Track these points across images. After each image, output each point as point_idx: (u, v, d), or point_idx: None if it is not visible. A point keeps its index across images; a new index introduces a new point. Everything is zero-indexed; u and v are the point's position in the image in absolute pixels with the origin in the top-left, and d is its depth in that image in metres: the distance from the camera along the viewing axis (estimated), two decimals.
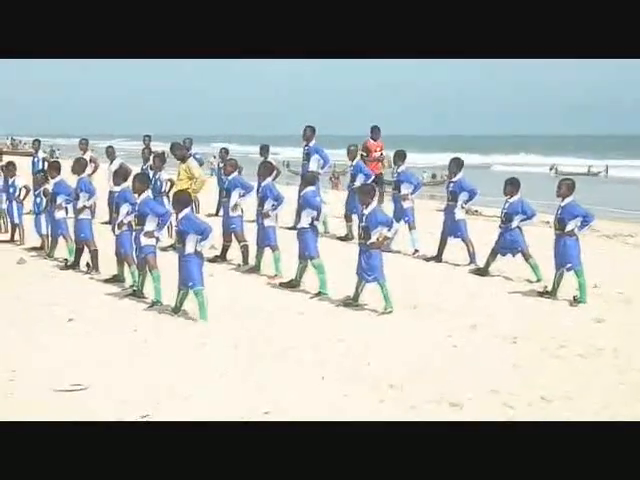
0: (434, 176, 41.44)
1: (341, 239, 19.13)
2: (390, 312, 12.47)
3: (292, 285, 14.11)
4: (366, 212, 12.75)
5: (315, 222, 13.86)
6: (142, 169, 19.11)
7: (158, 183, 17.77)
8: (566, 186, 13.56)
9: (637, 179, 55.94)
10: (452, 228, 16.50)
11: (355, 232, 15.56)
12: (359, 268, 12.76)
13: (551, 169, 75.28)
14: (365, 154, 21.08)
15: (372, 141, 21.65)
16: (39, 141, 25.43)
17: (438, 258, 16.69)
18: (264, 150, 21.02)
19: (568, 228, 13.30)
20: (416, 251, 17.39)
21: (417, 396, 9.03)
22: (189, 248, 12.14)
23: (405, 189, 17.65)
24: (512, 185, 14.90)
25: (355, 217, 16.49)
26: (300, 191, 14.34)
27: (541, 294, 13.69)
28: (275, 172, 16.84)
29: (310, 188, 14.27)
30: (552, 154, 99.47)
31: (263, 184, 15.50)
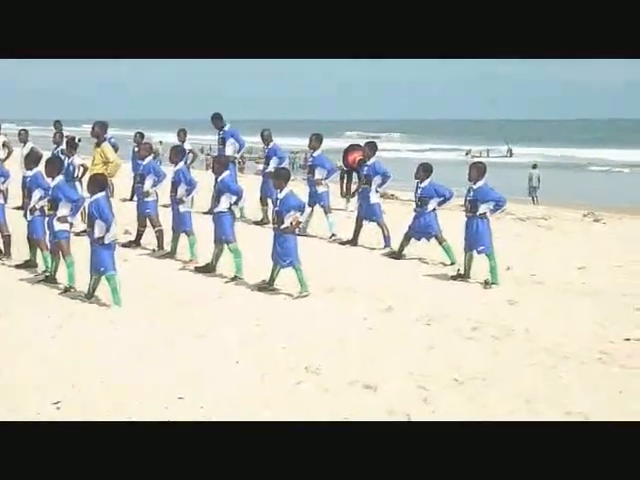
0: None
1: (257, 223, 19.11)
2: (306, 296, 12.50)
3: (208, 269, 14.05)
4: (280, 196, 12.77)
5: (233, 206, 13.83)
6: (53, 154, 18.79)
7: (71, 168, 17.49)
8: (477, 169, 13.76)
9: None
10: (367, 211, 16.59)
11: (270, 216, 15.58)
12: (274, 253, 12.77)
13: (467, 154, 76.75)
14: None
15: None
16: None
17: (354, 242, 16.77)
18: (182, 134, 20.92)
19: (480, 211, 13.48)
20: (333, 235, 17.44)
21: (333, 379, 9.08)
22: (98, 233, 12.02)
23: (319, 174, 17.68)
24: (425, 170, 15.05)
25: (270, 201, 16.49)
26: (216, 175, 14.24)
27: (454, 277, 13.85)
28: (191, 156, 16.73)
29: (227, 172, 14.20)
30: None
31: (175, 169, 15.38)
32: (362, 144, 18.48)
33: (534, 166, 40.28)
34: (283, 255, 12.65)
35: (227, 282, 13.48)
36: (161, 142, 45.50)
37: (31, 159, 14.48)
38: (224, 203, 13.82)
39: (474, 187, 13.64)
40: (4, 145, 21.67)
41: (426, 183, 14.96)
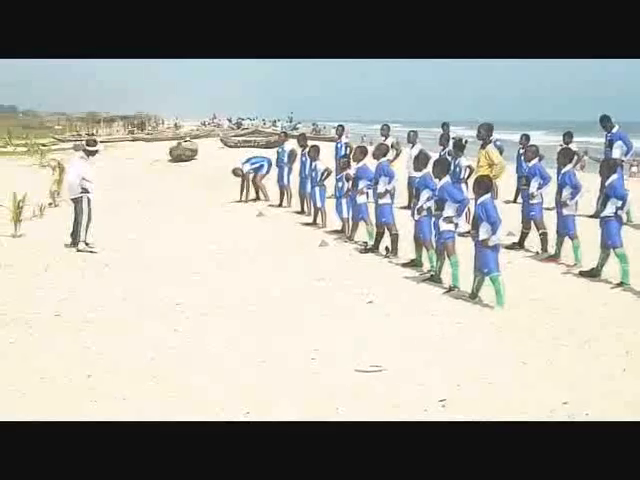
0: None
1: None
2: None
3: (593, 274, 13.75)
4: None
5: (619, 211, 13.44)
6: (441, 155, 19.17)
7: (457, 169, 17.81)
8: None
9: None
10: None
11: None
12: None
13: None
14: None
15: None
16: (343, 127, 25.77)
17: None
18: (566, 137, 20.72)
19: None
20: None
21: None
22: (483, 234, 12.11)
23: None
24: None
25: None
26: (602, 179, 13.91)
27: None
28: (575, 159, 16.49)
29: (615, 176, 13.85)
30: None
31: (563, 171, 15.22)
32: None
33: None
34: None
35: (612, 288, 13.13)
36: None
37: (421, 161, 14.90)
38: (610, 208, 13.48)
39: None
40: (392, 146, 22.26)
41: None
